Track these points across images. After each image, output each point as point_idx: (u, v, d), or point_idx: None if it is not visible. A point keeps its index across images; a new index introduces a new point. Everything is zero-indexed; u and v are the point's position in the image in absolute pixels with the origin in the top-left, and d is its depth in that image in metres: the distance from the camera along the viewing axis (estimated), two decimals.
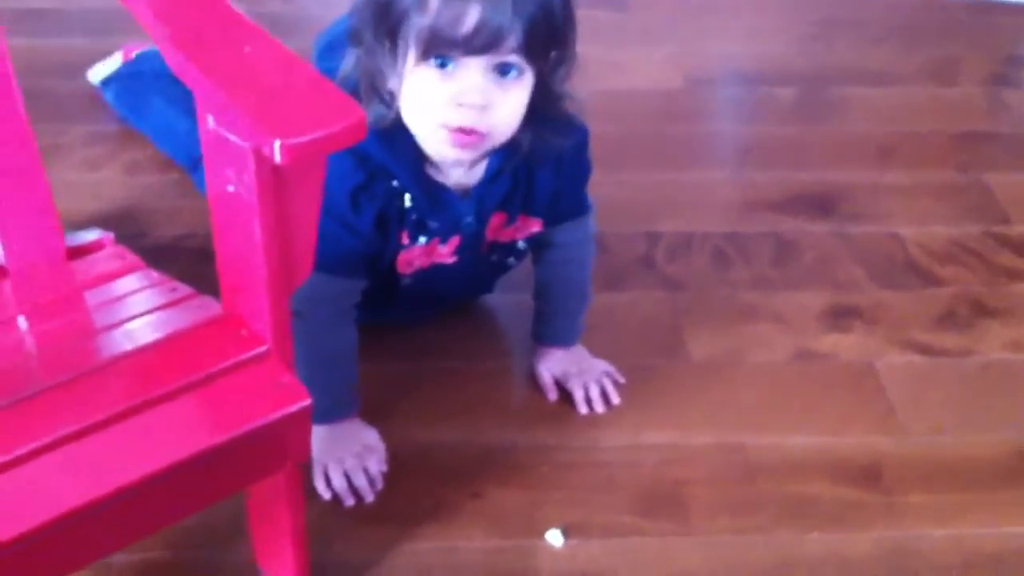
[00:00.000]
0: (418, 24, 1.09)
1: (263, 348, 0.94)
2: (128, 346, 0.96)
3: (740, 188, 1.78)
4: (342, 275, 1.25)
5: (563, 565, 1.23)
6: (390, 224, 1.24)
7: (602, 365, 1.43)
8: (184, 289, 1.02)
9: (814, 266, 1.65)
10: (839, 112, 1.98)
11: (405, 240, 1.26)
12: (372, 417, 1.32)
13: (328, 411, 1.24)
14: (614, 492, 1.31)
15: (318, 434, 1.21)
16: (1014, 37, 2.25)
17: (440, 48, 1.10)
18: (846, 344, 1.54)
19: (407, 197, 1.22)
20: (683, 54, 2.09)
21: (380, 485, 1.28)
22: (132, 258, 1.09)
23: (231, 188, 0.87)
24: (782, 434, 1.40)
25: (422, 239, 1.27)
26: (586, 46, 1.17)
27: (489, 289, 1.48)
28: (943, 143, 1.93)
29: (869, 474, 1.37)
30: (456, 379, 1.43)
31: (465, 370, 1.45)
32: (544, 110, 1.18)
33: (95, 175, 1.69)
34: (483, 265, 1.37)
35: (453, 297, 1.46)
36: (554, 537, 1.25)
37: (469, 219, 1.26)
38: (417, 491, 1.27)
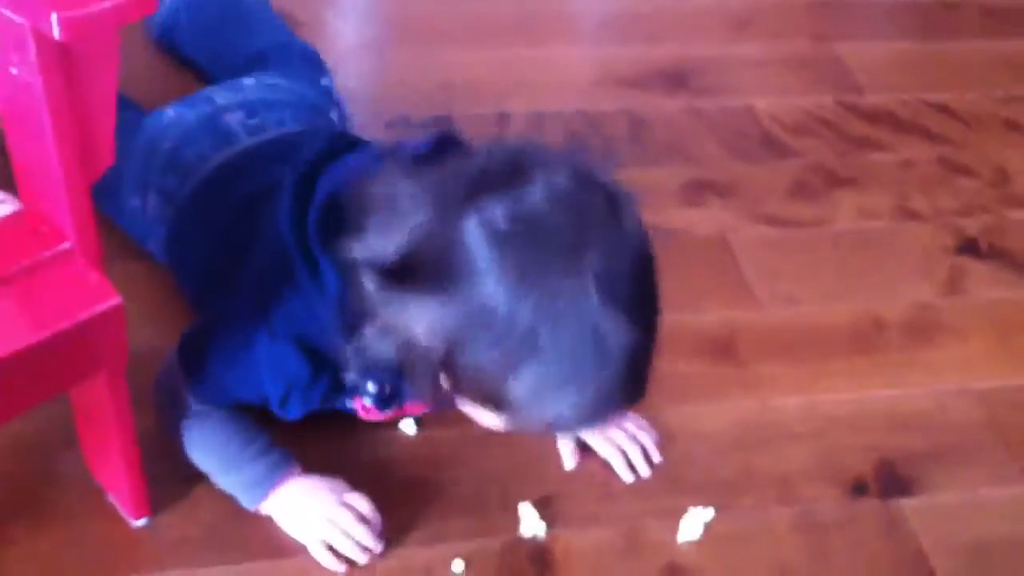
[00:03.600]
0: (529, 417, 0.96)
1: (66, 245, 0.87)
2: None
3: (593, 65, 1.74)
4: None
5: (419, 451, 1.21)
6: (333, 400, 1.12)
7: (632, 416, 1.24)
8: None
9: (668, 142, 1.63)
10: None
11: (359, 407, 1.15)
12: None
13: (269, 475, 1.10)
14: None
15: (282, 514, 1.11)
16: None
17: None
18: (701, 219, 1.52)
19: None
20: None
21: (379, 525, 1.12)
22: None
23: (14, 71, 0.80)
24: None
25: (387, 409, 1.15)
26: None
27: None
28: (796, 14, 1.91)
29: (724, 347, 1.36)
30: None
31: None
32: None
33: None
34: None
35: None
36: (407, 425, 1.22)
37: None
38: None
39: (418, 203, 0.92)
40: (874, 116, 1.72)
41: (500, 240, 0.89)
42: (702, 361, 1.35)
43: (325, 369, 1.06)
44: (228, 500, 1.11)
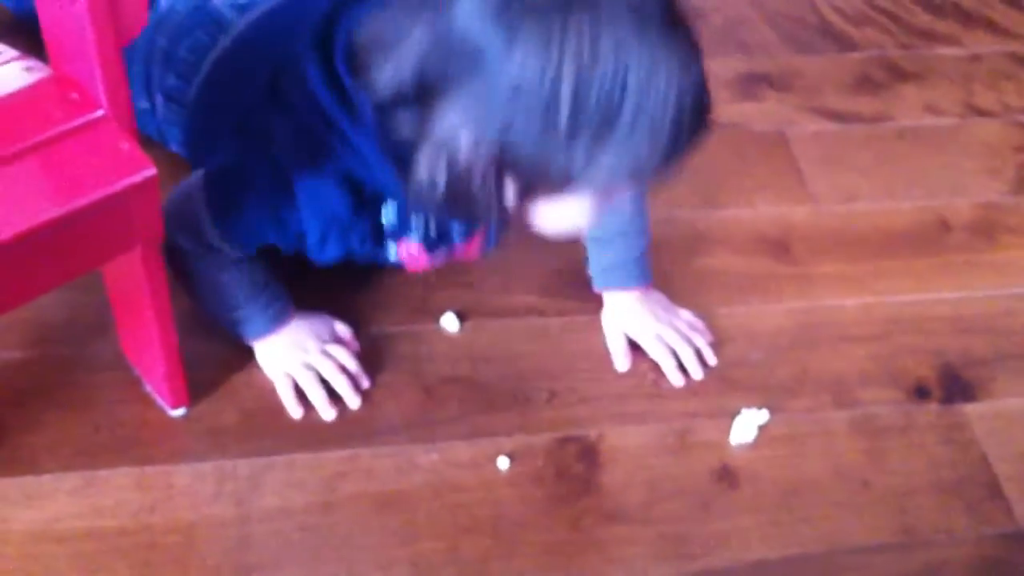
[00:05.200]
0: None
1: (98, 113, 0.82)
2: None
3: None
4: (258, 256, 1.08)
5: (461, 347, 1.16)
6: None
7: (687, 316, 1.21)
8: (10, 51, 0.89)
9: (723, 31, 1.56)
10: None
11: (404, 255, 1.08)
12: None
13: (269, 320, 1.09)
14: (511, 275, 1.23)
15: (263, 349, 1.10)
16: None
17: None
18: (756, 112, 1.45)
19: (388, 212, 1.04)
20: None
21: (366, 382, 1.12)
22: None
23: None
24: (688, 206, 1.32)
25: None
26: None
27: None
28: None
29: (780, 245, 1.31)
30: None
31: None
32: None
33: None
34: None
35: None
36: (449, 322, 1.18)
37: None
38: (304, 280, 1.17)
39: (414, 19, 0.87)
40: (940, 8, 1.63)
41: (501, 14, 0.83)
42: (757, 259, 1.29)
43: (365, 209, 1.01)
44: (265, 388, 1.09)
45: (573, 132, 0.85)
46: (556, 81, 0.83)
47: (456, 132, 0.87)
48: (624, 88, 0.84)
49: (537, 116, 0.84)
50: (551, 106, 0.83)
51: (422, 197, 0.91)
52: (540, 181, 0.89)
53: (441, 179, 0.89)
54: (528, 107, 0.84)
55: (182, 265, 1.05)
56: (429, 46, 0.86)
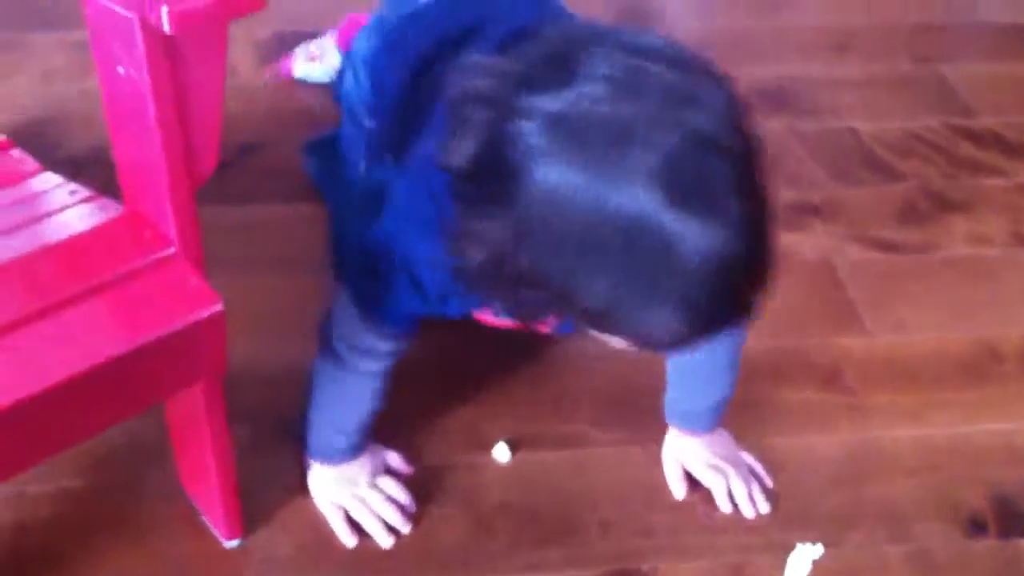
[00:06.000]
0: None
1: (169, 251, 0.85)
2: (23, 250, 0.86)
3: None
4: (401, 336, 1.06)
5: (513, 477, 1.16)
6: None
7: (747, 459, 1.20)
8: (84, 191, 0.92)
9: (769, 164, 1.57)
10: (792, 3, 1.90)
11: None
12: None
13: (342, 452, 1.12)
14: (563, 402, 1.24)
15: (316, 477, 1.12)
16: None
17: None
18: (804, 243, 1.47)
19: None
20: None
21: (413, 507, 1.13)
22: (29, 161, 0.99)
23: (121, 70, 0.78)
24: None
25: None
26: None
27: None
28: (899, 34, 1.87)
29: (832, 375, 1.31)
30: None
31: None
32: None
33: (7, 83, 1.59)
34: None
35: None
36: (501, 452, 1.18)
37: None
38: None
39: (481, 107, 0.81)
40: (982, 139, 1.65)
41: (555, 126, 0.77)
42: (809, 389, 1.29)
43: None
44: (319, 518, 1.10)
45: (578, 280, 0.79)
46: (568, 225, 0.77)
47: (483, 233, 0.82)
48: (633, 257, 0.77)
49: (547, 248, 0.79)
50: (560, 244, 0.78)
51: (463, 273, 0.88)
52: (552, 305, 0.84)
53: (471, 265, 0.85)
54: (540, 236, 0.79)
55: (332, 371, 1.07)
56: (487, 136, 0.81)
